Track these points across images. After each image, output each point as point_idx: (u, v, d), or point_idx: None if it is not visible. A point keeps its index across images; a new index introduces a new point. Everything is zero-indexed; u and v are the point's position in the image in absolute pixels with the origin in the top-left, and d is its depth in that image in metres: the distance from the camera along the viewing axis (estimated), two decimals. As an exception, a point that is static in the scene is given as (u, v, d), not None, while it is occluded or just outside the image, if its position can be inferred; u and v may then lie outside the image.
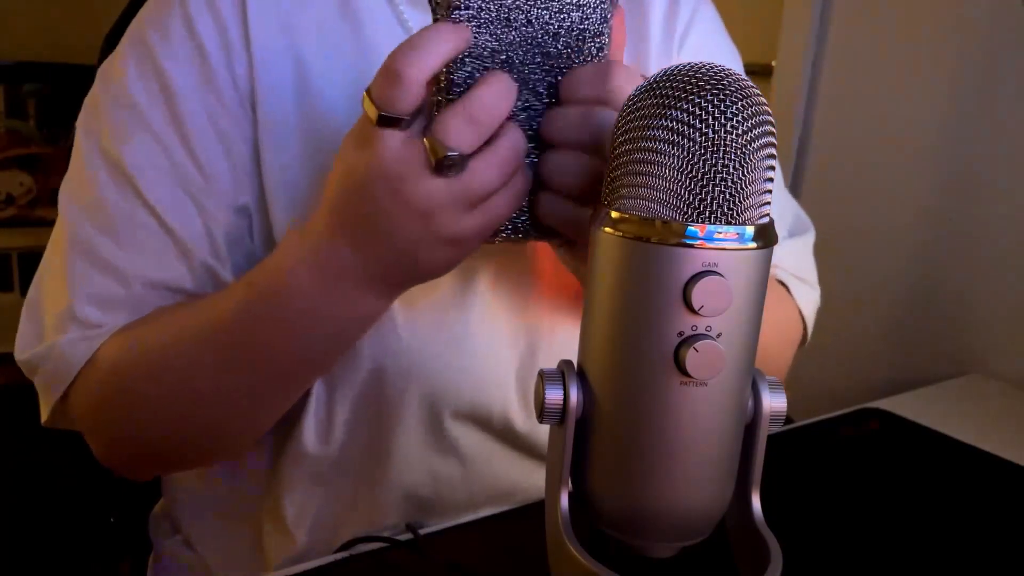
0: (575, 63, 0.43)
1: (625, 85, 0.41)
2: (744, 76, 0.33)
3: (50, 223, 0.56)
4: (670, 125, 0.32)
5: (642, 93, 0.34)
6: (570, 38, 0.42)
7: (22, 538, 1.54)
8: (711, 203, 0.32)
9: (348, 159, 0.42)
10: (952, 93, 1.11)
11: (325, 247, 0.44)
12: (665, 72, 0.33)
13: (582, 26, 0.42)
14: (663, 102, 0.32)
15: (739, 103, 0.32)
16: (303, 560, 0.59)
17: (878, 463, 0.76)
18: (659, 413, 0.34)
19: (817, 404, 0.98)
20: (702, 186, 0.32)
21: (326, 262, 0.45)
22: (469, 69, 0.41)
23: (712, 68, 0.33)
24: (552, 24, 0.42)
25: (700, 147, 0.31)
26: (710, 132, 0.31)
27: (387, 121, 0.40)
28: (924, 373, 1.12)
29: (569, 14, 0.42)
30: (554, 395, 0.36)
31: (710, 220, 0.32)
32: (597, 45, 0.43)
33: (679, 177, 0.32)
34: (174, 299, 0.55)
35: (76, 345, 0.53)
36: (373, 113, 0.40)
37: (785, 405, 0.37)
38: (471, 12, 0.40)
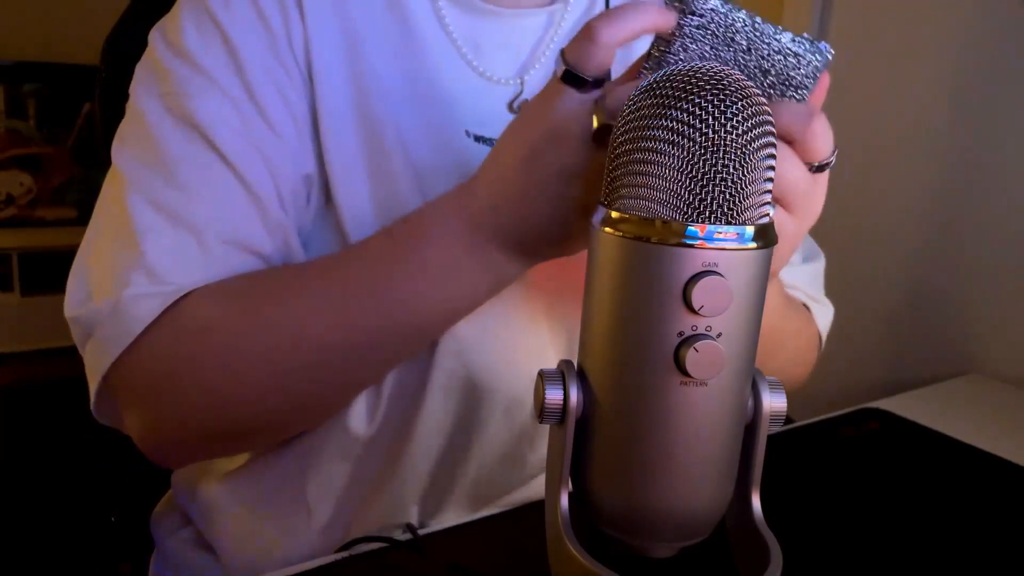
0: None
1: (820, 135, 0.41)
2: (744, 77, 0.33)
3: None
4: (670, 125, 0.32)
5: (642, 93, 0.34)
6: (777, 80, 0.43)
7: (22, 538, 1.54)
8: (711, 203, 0.32)
9: (522, 115, 0.45)
10: (952, 93, 1.11)
11: (485, 208, 0.46)
12: (665, 72, 0.33)
13: (791, 73, 0.43)
14: (663, 102, 0.32)
15: (739, 103, 0.32)
16: (320, 541, 0.59)
17: (878, 463, 0.76)
18: (659, 413, 0.34)
19: (817, 404, 0.98)
20: (702, 186, 0.32)
21: (484, 222, 0.46)
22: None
23: (712, 68, 0.33)
24: (767, 61, 0.42)
25: (700, 147, 0.31)
26: (710, 132, 0.31)
27: (571, 79, 0.42)
28: (924, 373, 1.12)
29: (785, 58, 0.42)
30: (554, 395, 0.36)
31: (710, 220, 0.32)
32: (799, 96, 0.44)
33: (679, 177, 0.32)
34: (250, 262, 0.53)
35: (144, 300, 0.49)
36: (561, 70, 0.42)
37: (785, 405, 0.37)
38: (702, 21, 0.41)
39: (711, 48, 0.42)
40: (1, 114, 2.33)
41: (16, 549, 1.51)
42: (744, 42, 0.42)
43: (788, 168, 0.41)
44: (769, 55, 0.42)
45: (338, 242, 0.57)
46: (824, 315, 0.74)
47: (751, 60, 0.42)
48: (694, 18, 0.41)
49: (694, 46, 0.42)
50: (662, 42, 0.43)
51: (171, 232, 0.51)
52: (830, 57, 0.43)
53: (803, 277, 0.73)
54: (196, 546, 0.68)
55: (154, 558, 0.72)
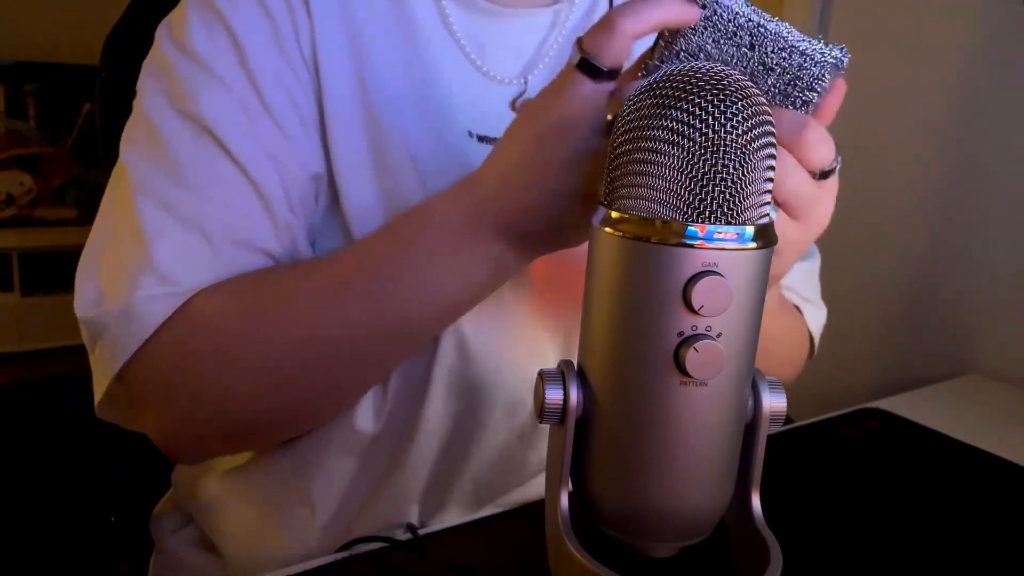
0: (777, 105, 0.43)
1: (812, 144, 0.41)
2: (743, 77, 0.33)
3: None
4: (670, 125, 0.32)
5: (642, 93, 0.34)
6: (782, 80, 0.42)
7: (22, 538, 1.54)
8: (711, 203, 0.32)
9: (533, 104, 0.44)
10: (952, 93, 1.11)
11: (488, 202, 0.46)
12: (665, 72, 0.33)
13: (798, 73, 0.42)
14: (663, 102, 0.32)
15: (739, 103, 0.32)
16: (322, 539, 0.59)
17: (878, 463, 0.76)
18: (659, 413, 0.34)
19: (817, 404, 0.98)
20: (702, 186, 0.32)
21: (487, 216, 0.46)
22: (679, 61, 0.42)
23: (712, 68, 0.33)
24: (772, 58, 0.42)
25: (700, 147, 0.31)
26: (710, 132, 0.31)
27: (587, 67, 0.41)
28: (924, 373, 1.12)
29: (792, 56, 0.42)
30: (554, 395, 0.36)
31: (710, 220, 0.32)
32: (804, 99, 0.43)
33: (679, 177, 0.32)
34: (256, 261, 0.53)
35: (154, 301, 0.49)
36: (577, 58, 0.42)
37: (785, 405, 0.37)
38: (706, 13, 0.41)
39: (713, 42, 0.42)
40: (1, 114, 2.33)
41: (16, 549, 1.51)
42: (748, 38, 0.42)
43: (789, 174, 0.41)
44: (774, 52, 0.42)
45: (345, 241, 0.57)
46: (816, 317, 0.74)
47: (754, 57, 0.42)
48: (699, 11, 0.41)
49: (696, 38, 0.41)
50: (666, 34, 0.42)
51: (180, 233, 0.51)
52: (846, 60, 0.42)
53: (797, 276, 0.72)
54: (196, 546, 0.68)
55: (154, 558, 0.72)
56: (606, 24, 0.41)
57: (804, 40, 0.42)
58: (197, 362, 0.51)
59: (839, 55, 0.42)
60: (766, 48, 0.42)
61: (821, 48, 0.42)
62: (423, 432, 0.59)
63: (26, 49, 2.36)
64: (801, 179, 0.41)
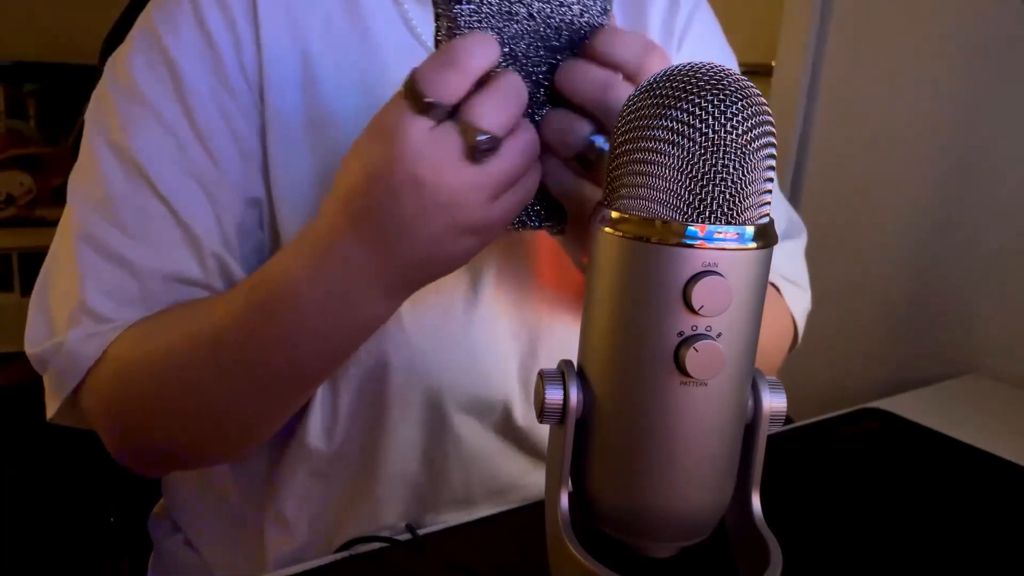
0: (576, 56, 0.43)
1: (656, 65, 0.40)
2: (744, 76, 0.33)
3: (50, 223, 0.57)
4: (670, 125, 0.32)
5: (642, 93, 0.34)
6: (572, 31, 0.43)
7: (23, 538, 1.54)
8: (711, 203, 0.32)
9: (365, 152, 0.41)
10: (952, 92, 1.11)
11: (334, 250, 0.43)
12: (665, 72, 0.33)
13: (583, 19, 0.42)
14: (663, 102, 0.32)
15: (739, 103, 0.32)
16: (303, 556, 0.59)
17: (878, 463, 0.76)
18: (659, 413, 0.34)
19: (817, 404, 0.98)
20: (702, 186, 0.32)
21: (333, 267, 0.43)
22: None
23: (712, 68, 0.33)
24: (554, 18, 0.42)
25: (700, 147, 0.31)
26: (710, 132, 0.31)
27: (429, 108, 0.39)
28: (924, 373, 1.12)
29: (570, 7, 0.42)
30: (554, 395, 0.36)
31: (710, 220, 0.32)
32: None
33: (679, 177, 0.32)
34: (187, 292, 0.54)
35: (86, 342, 0.52)
36: (416, 100, 0.39)
37: (785, 405, 0.37)
38: (472, 7, 0.40)
39: (493, 29, 0.41)
40: (1, 114, 2.33)
41: (16, 549, 1.51)
42: (523, 9, 0.41)
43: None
44: (552, 12, 0.42)
45: None
46: (800, 300, 0.70)
47: (539, 24, 0.42)
48: (464, 7, 0.40)
49: (477, 30, 0.41)
50: (443, 34, 0.41)
51: (111, 271, 0.53)
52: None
53: (780, 255, 0.68)
54: (192, 548, 0.68)
55: (152, 558, 0.72)
56: (451, 64, 0.38)
57: None
58: (115, 403, 0.53)
59: None
60: (545, 11, 0.42)
61: None
62: (391, 448, 0.58)
63: (26, 49, 2.36)
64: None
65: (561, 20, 0.42)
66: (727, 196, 0.32)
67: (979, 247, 1.08)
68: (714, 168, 0.31)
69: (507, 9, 0.41)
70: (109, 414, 0.54)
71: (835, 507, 0.66)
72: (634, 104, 0.34)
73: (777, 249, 0.69)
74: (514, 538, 0.57)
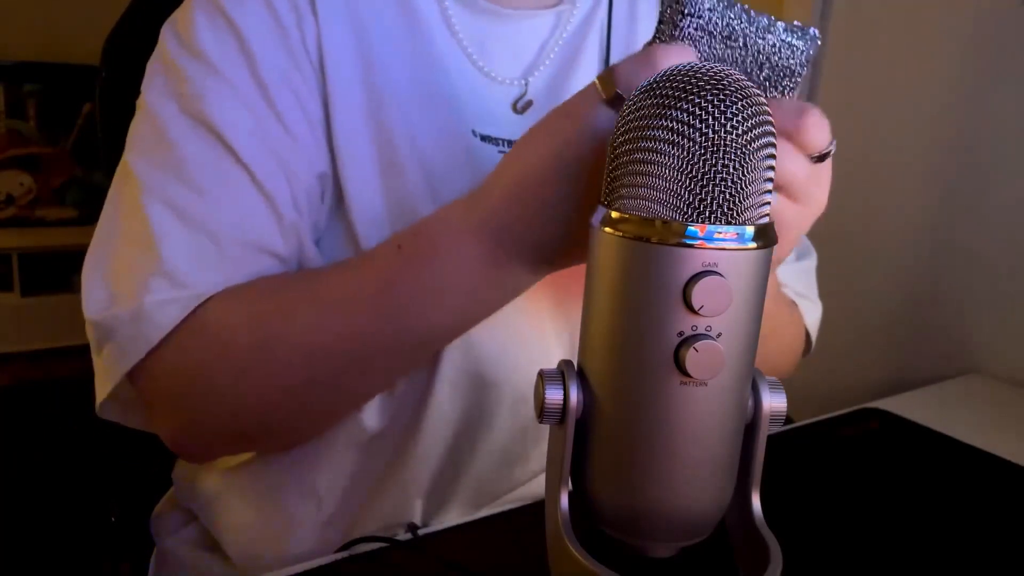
0: (768, 94, 0.44)
1: (812, 128, 0.41)
2: (743, 76, 0.33)
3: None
4: (670, 125, 0.32)
5: (642, 93, 0.34)
6: (772, 72, 0.43)
7: (23, 538, 1.54)
8: (711, 203, 0.32)
9: (547, 128, 0.44)
10: (952, 93, 1.11)
11: (499, 219, 0.45)
12: (665, 72, 0.33)
13: (787, 64, 0.43)
14: (663, 102, 0.32)
15: (739, 103, 0.32)
16: (327, 534, 0.59)
17: (878, 463, 0.76)
18: (659, 413, 0.34)
19: (817, 404, 0.98)
20: (702, 186, 0.32)
21: (497, 234, 0.45)
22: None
23: (712, 68, 0.33)
24: (763, 55, 0.43)
25: (700, 147, 0.31)
26: (710, 132, 0.31)
27: (617, 100, 0.41)
28: (924, 373, 1.12)
29: (781, 51, 0.43)
30: (554, 395, 0.36)
31: (710, 220, 0.32)
32: (792, 84, 0.44)
33: (679, 177, 0.32)
34: (264, 263, 0.53)
35: (166, 306, 0.50)
36: (608, 90, 0.41)
37: (785, 405, 0.37)
38: (701, 21, 0.41)
39: (708, 48, 0.42)
40: (1, 114, 2.33)
41: (16, 549, 1.51)
42: (741, 38, 0.42)
43: (787, 160, 0.41)
44: (764, 48, 0.43)
45: (349, 240, 0.57)
46: (812, 312, 0.75)
47: (748, 55, 0.43)
48: (692, 20, 0.41)
49: (693, 46, 0.42)
50: (661, 40, 0.43)
51: (188, 235, 0.51)
52: (819, 43, 0.44)
53: (794, 274, 0.73)
54: (195, 546, 0.68)
55: (154, 558, 0.72)
56: (648, 60, 0.40)
57: (787, 30, 0.43)
58: (206, 370, 0.51)
59: (816, 38, 0.43)
60: (759, 46, 0.42)
61: (801, 35, 0.43)
62: (428, 429, 0.59)
63: (26, 49, 2.36)
64: (799, 163, 0.42)
65: (767, 59, 0.43)
66: (727, 196, 0.32)
67: (979, 247, 1.08)
68: (714, 168, 0.31)
69: (728, 34, 0.42)
70: (191, 388, 0.52)
71: (835, 507, 0.66)
72: (634, 104, 0.34)
73: (793, 268, 0.73)
74: (514, 538, 0.57)
